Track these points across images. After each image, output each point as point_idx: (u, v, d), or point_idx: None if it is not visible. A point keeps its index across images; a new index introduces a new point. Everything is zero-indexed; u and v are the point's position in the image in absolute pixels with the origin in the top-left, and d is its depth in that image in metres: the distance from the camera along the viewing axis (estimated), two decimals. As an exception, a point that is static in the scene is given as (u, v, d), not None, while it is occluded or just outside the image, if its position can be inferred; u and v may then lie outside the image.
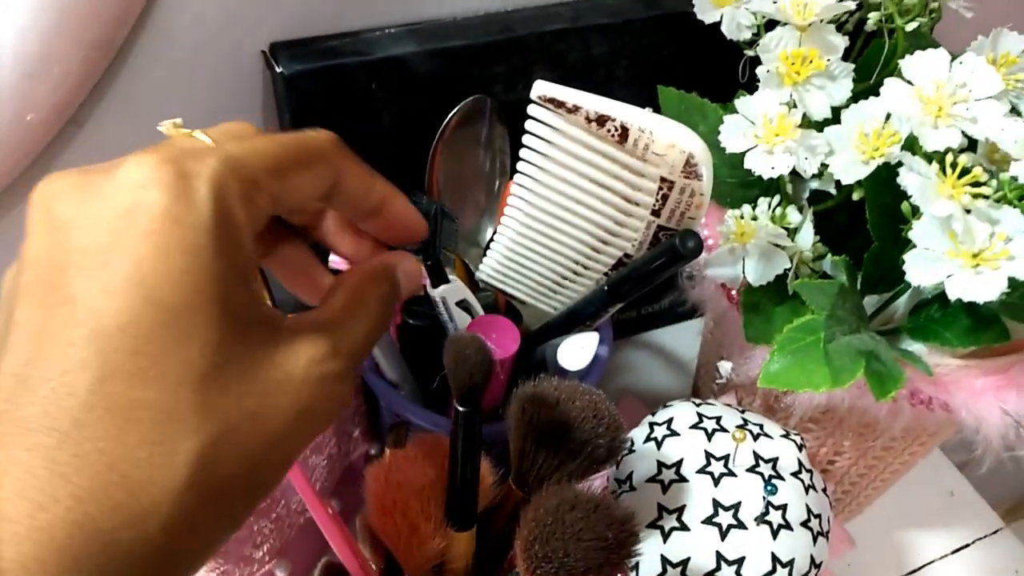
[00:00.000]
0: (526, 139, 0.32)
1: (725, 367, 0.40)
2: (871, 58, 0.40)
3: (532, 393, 0.31)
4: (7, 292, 0.20)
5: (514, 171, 0.33)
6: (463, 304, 0.38)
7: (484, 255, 0.37)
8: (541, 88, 0.31)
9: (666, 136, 0.30)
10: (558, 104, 0.30)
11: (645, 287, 0.34)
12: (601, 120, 0.30)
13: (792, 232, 0.36)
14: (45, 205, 0.19)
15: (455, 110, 0.41)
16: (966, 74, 0.32)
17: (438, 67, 0.41)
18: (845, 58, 0.40)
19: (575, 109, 0.30)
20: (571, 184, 0.32)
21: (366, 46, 0.40)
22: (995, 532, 0.56)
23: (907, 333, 0.38)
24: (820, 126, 0.35)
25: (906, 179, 0.29)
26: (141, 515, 0.18)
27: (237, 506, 0.20)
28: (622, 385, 0.48)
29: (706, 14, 0.40)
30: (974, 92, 0.31)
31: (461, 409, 0.30)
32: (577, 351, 0.39)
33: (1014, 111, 0.38)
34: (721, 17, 0.40)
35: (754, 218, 0.35)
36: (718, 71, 0.40)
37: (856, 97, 0.37)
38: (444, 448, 0.34)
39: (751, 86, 0.38)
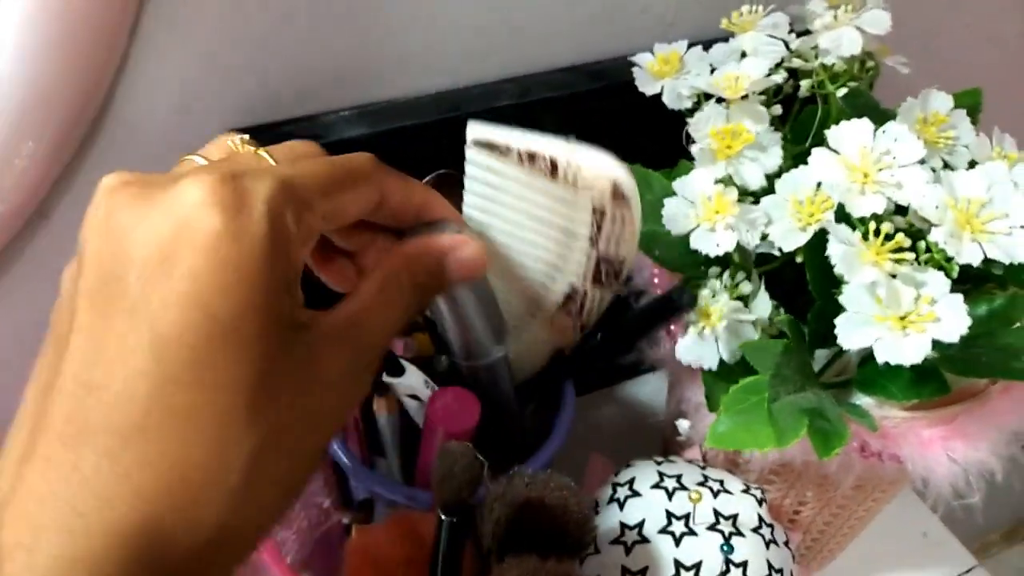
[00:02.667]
0: (468, 183, 0.33)
1: (683, 425, 0.41)
2: (806, 122, 0.42)
3: (502, 493, 0.32)
4: (67, 291, 0.21)
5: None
6: (414, 396, 0.39)
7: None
8: (475, 132, 0.32)
9: (591, 165, 0.31)
10: (491, 147, 0.32)
11: (639, 337, 0.35)
12: (532, 157, 0.31)
13: (746, 300, 0.37)
14: (107, 210, 0.21)
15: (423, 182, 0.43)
16: (889, 141, 0.33)
17: (391, 146, 0.43)
18: (784, 121, 0.42)
19: (507, 150, 0.32)
20: (515, 224, 0.33)
21: (322, 129, 0.42)
22: (969, 571, 0.56)
23: (856, 386, 0.39)
24: (757, 196, 0.37)
25: (832, 249, 0.31)
26: (199, 514, 0.20)
27: (282, 504, 0.22)
28: (590, 443, 0.49)
29: (647, 86, 0.42)
30: (898, 158, 0.33)
31: (445, 518, 0.30)
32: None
33: (947, 167, 0.39)
34: (662, 89, 0.42)
35: (714, 296, 0.36)
36: (663, 137, 0.42)
37: (796, 160, 0.39)
38: (419, 528, 0.34)
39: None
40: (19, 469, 0.20)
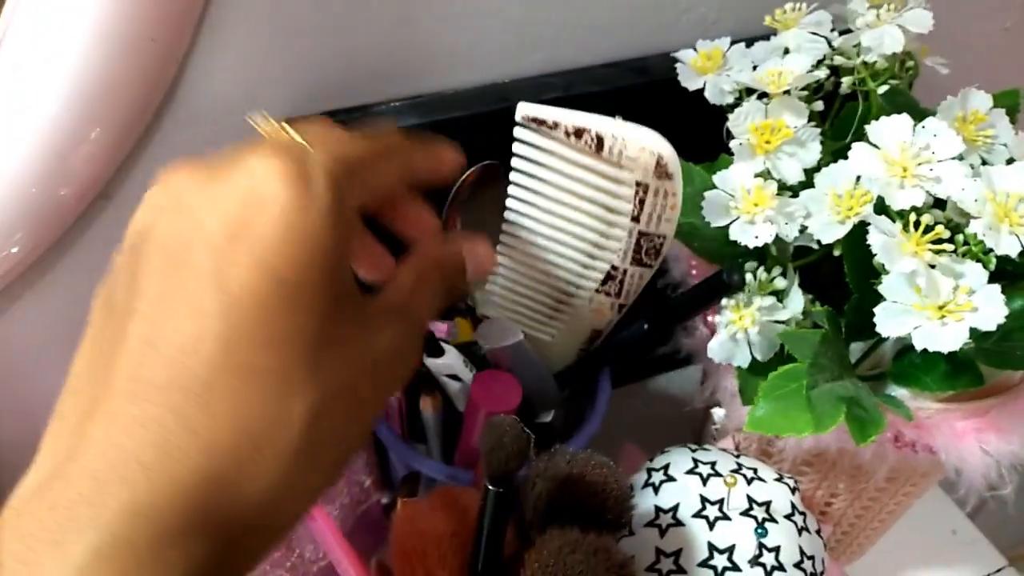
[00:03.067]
0: (515, 161, 0.34)
1: (719, 414, 0.42)
2: (847, 118, 0.43)
3: (543, 469, 0.33)
4: (124, 265, 0.22)
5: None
6: (453, 377, 0.40)
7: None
8: (524, 109, 0.33)
9: (636, 140, 0.33)
10: (540, 122, 0.33)
11: (686, 319, 0.36)
12: (579, 132, 0.33)
13: (781, 295, 0.38)
14: (172, 194, 0.22)
15: (464, 175, 0.44)
16: (929, 137, 0.34)
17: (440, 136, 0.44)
18: (824, 119, 0.43)
19: (555, 125, 0.33)
20: (558, 202, 0.35)
21: (374, 119, 0.43)
22: (999, 571, 0.56)
23: (891, 378, 0.40)
24: (795, 190, 0.38)
25: (872, 239, 0.31)
26: (261, 469, 0.21)
27: (335, 468, 0.23)
28: (623, 433, 0.50)
29: (690, 82, 0.43)
30: (937, 153, 0.34)
31: (492, 488, 0.31)
32: (499, 332, 0.40)
33: (985, 164, 0.40)
34: (704, 84, 0.43)
35: (748, 304, 0.37)
36: (704, 132, 0.43)
37: (835, 155, 0.40)
38: (462, 501, 0.36)
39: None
40: (81, 428, 0.20)
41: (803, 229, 0.37)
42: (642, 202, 0.33)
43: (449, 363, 0.41)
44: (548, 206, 0.35)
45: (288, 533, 0.22)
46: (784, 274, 0.39)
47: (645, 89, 0.48)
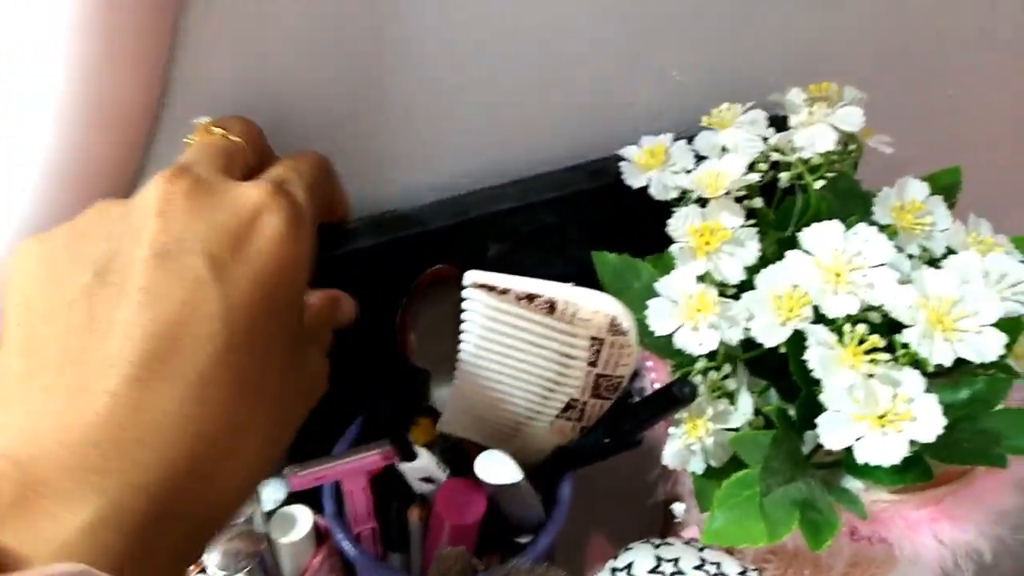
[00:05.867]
0: (466, 316, 0.35)
1: (679, 509, 0.42)
2: (788, 209, 0.43)
3: None
4: (107, 252, 0.25)
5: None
6: (427, 480, 0.40)
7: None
8: (473, 276, 0.34)
9: (589, 304, 0.33)
10: (490, 288, 0.34)
11: (642, 431, 0.38)
12: (530, 297, 0.33)
13: (732, 397, 0.38)
14: (166, 198, 0.25)
15: (421, 276, 0.44)
16: (860, 243, 0.35)
17: (399, 253, 0.44)
18: (767, 205, 0.43)
19: (505, 291, 0.33)
20: (513, 347, 0.35)
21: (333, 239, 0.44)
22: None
23: (846, 468, 0.40)
24: (737, 289, 0.38)
25: (810, 353, 0.32)
26: (241, 456, 0.24)
27: (278, 450, 0.27)
28: (586, 525, 0.50)
29: (634, 179, 0.44)
30: (869, 259, 0.34)
31: None
32: (498, 468, 0.40)
33: (925, 251, 0.41)
34: (648, 181, 0.44)
35: (700, 414, 0.37)
36: (660, 229, 0.43)
37: (781, 245, 0.40)
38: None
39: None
40: (72, 402, 0.22)
41: (746, 331, 0.38)
42: (598, 352, 0.34)
43: (423, 466, 0.41)
44: (502, 351, 0.35)
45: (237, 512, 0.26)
46: (734, 371, 0.40)
47: (600, 191, 0.48)
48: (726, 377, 0.39)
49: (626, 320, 0.33)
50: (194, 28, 0.36)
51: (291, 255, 0.25)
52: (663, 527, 0.54)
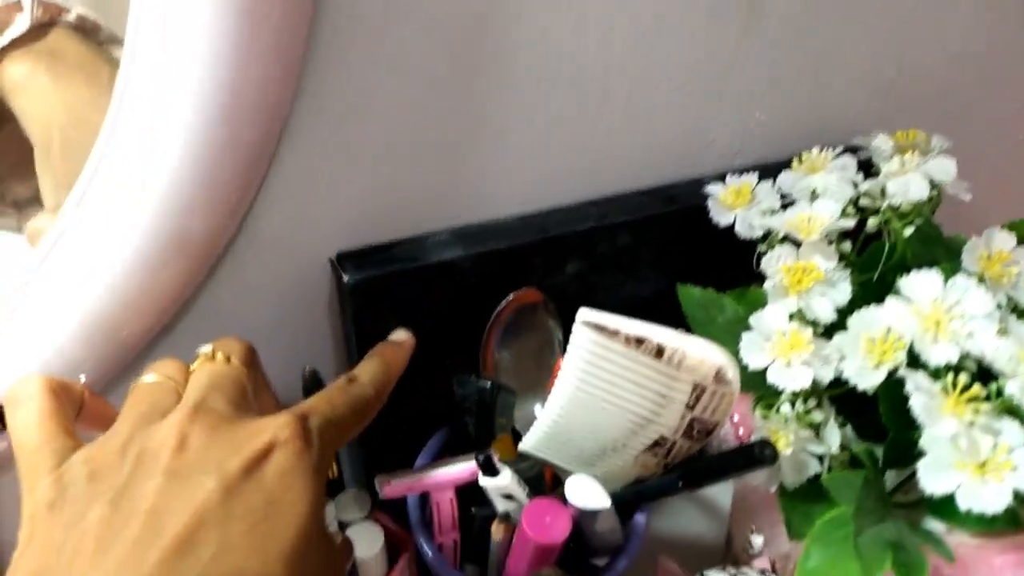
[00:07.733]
0: (571, 351, 0.36)
1: (757, 541, 0.43)
2: (874, 253, 0.44)
3: None
4: (141, 452, 0.27)
5: (564, 346, 0.37)
6: (508, 496, 0.41)
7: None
8: (585, 315, 0.35)
9: (697, 352, 0.34)
10: (600, 329, 0.35)
11: (716, 482, 0.38)
12: (639, 341, 0.34)
13: (817, 429, 0.39)
14: (187, 436, 0.28)
15: (506, 302, 0.46)
16: (959, 292, 0.36)
17: (483, 266, 0.46)
18: (852, 248, 0.44)
19: (615, 333, 0.35)
20: (612, 384, 0.36)
21: (419, 251, 0.45)
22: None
23: (928, 509, 0.41)
24: (829, 329, 0.39)
25: (913, 400, 0.33)
26: None
27: None
28: (657, 548, 0.51)
29: (721, 217, 0.45)
30: (968, 310, 0.35)
31: None
32: (587, 493, 0.41)
33: (1011, 300, 0.41)
34: (735, 219, 0.45)
35: (784, 421, 0.38)
36: (732, 256, 0.45)
37: (864, 288, 0.41)
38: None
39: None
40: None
41: (839, 370, 0.39)
42: (698, 398, 0.35)
43: (505, 483, 0.42)
44: (602, 385, 0.36)
45: None
46: (819, 404, 0.41)
47: (674, 216, 0.50)
48: (810, 411, 0.40)
49: (731, 370, 0.34)
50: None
51: (300, 481, 0.28)
52: (725, 554, 0.54)
